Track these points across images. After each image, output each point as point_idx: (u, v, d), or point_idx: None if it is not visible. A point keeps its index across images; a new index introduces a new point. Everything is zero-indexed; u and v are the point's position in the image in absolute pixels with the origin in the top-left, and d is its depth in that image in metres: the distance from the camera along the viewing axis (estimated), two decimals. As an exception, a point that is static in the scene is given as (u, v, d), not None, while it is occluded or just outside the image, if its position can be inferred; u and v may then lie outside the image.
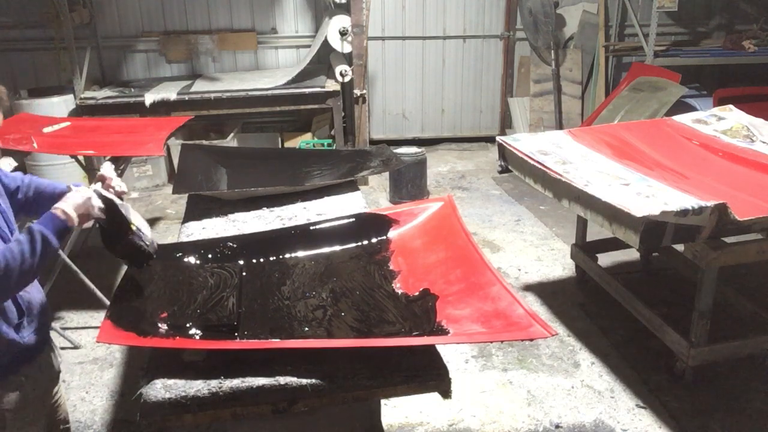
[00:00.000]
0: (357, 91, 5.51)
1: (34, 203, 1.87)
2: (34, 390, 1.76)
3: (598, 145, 3.30)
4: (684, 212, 2.38)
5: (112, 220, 1.83)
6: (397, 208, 2.53)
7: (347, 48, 5.46)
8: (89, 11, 5.75)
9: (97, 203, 1.77)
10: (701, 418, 2.73)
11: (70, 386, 3.02)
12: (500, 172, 3.64)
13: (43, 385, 1.83)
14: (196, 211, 2.79)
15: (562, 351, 3.23)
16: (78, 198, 1.72)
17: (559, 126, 6.26)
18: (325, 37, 5.47)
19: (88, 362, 3.20)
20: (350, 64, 5.43)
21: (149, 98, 5.22)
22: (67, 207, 1.68)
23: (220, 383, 1.60)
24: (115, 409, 2.87)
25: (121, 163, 4.55)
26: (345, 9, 5.41)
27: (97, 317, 3.54)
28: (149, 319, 1.83)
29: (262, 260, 2.27)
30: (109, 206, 1.82)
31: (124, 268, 2.09)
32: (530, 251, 4.37)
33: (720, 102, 4.84)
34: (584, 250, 3.75)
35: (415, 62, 6.61)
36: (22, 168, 5.05)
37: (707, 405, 2.80)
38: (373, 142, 5.96)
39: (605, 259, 3.79)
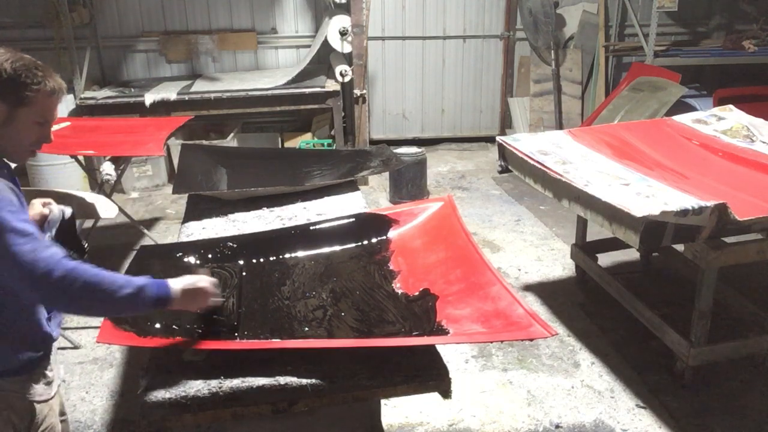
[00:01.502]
0: (357, 91, 5.51)
1: None
2: (55, 380, 1.77)
3: (598, 145, 3.30)
4: (684, 212, 2.38)
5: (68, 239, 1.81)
6: (397, 208, 2.53)
7: (347, 48, 5.46)
8: (89, 11, 5.75)
9: (213, 296, 1.71)
10: (701, 418, 2.73)
11: (70, 386, 3.02)
12: (500, 172, 3.64)
13: (58, 375, 1.84)
14: (196, 211, 2.79)
15: (562, 351, 3.23)
16: (188, 283, 1.65)
17: (559, 126, 6.26)
18: (325, 37, 5.47)
19: (88, 362, 3.20)
20: (350, 64, 5.43)
21: (149, 98, 5.22)
22: (180, 292, 1.61)
23: (220, 383, 1.61)
24: (115, 409, 2.87)
25: (121, 163, 4.55)
26: (345, 9, 5.41)
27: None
28: (149, 319, 1.83)
29: (262, 260, 2.27)
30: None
31: (124, 268, 2.09)
32: (530, 251, 4.37)
33: (720, 102, 4.83)
34: (584, 250, 3.75)
35: (415, 62, 6.61)
36: (22, 168, 5.05)
37: (707, 405, 2.80)
38: (373, 142, 5.95)
39: (605, 259, 3.79)
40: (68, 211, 1.84)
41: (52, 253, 1.46)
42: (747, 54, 5.81)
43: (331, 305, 1.99)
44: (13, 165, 1.62)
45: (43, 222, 1.76)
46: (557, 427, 2.71)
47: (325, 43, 5.50)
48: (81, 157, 4.74)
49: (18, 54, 1.54)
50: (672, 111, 4.78)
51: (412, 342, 1.77)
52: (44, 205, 1.81)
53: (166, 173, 5.85)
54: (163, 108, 5.26)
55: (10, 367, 1.60)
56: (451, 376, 1.70)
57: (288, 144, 6.22)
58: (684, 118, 3.68)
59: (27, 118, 1.54)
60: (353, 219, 2.45)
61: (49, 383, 1.71)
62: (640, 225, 2.36)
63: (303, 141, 6.14)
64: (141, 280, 1.55)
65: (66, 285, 1.44)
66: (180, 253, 2.27)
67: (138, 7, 6.03)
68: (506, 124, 6.90)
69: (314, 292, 2.07)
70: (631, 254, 3.92)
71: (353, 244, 2.37)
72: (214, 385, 1.60)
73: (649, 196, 2.60)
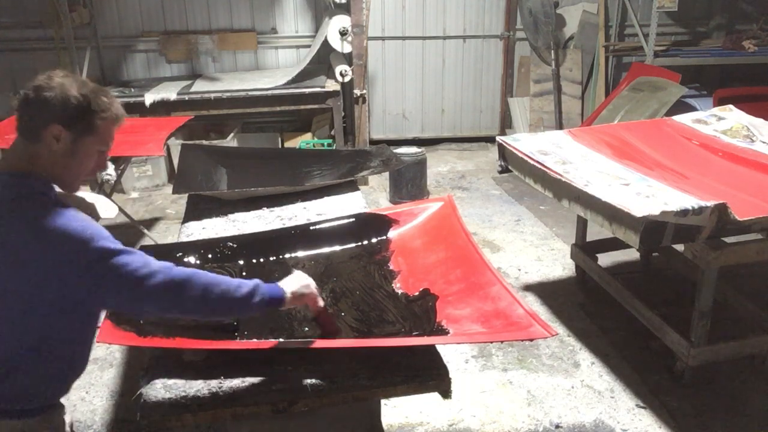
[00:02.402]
0: (357, 91, 5.51)
1: None
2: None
3: (598, 145, 3.30)
4: (684, 212, 2.38)
5: None
6: (397, 208, 2.53)
7: (347, 48, 5.46)
8: (89, 11, 5.76)
9: (316, 292, 1.74)
10: (701, 418, 2.73)
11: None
12: (500, 172, 3.64)
13: None
14: (196, 211, 2.79)
15: (562, 351, 3.23)
16: (301, 286, 1.68)
17: (559, 126, 6.25)
18: (325, 37, 5.47)
19: (88, 362, 3.19)
20: (350, 64, 5.43)
21: (149, 98, 5.22)
22: (290, 293, 1.65)
23: (220, 383, 1.61)
24: (115, 409, 2.87)
25: (121, 163, 4.56)
26: (345, 9, 5.41)
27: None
28: (149, 319, 1.83)
29: (262, 260, 2.27)
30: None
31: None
32: (530, 251, 4.37)
33: (720, 102, 4.83)
34: (584, 250, 3.75)
35: (415, 62, 6.61)
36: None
37: (707, 405, 2.80)
38: (373, 142, 5.95)
39: (605, 259, 3.79)
40: None
41: (164, 264, 1.48)
42: (747, 54, 5.81)
43: (331, 305, 1.99)
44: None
45: None
46: (557, 427, 2.71)
47: (325, 43, 5.50)
48: (81, 157, 4.73)
49: (81, 78, 1.50)
50: (672, 111, 4.78)
51: (412, 342, 1.77)
52: None
53: (166, 173, 5.84)
54: (163, 108, 5.26)
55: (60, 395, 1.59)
56: (451, 376, 1.69)
57: (288, 144, 6.22)
58: (684, 118, 3.68)
59: (91, 146, 1.50)
60: (353, 219, 2.45)
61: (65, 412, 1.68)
62: (640, 225, 2.36)
63: (303, 141, 6.14)
64: (252, 282, 1.57)
65: (189, 288, 1.46)
66: (180, 253, 2.27)
67: (138, 7, 6.03)
68: (506, 124, 6.90)
69: (314, 292, 2.07)
70: (631, 254, 3.92)
71: (353, 244, 2.37)
72: (214, 385, 1.60)
73: (649, 196, 2.60)
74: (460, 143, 6.90)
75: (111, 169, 4.01)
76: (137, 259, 1.44)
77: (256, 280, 1.59)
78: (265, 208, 2.77)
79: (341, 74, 5.38)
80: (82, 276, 1.39)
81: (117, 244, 1.44)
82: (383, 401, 2.55)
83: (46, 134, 1.44)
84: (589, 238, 3.78)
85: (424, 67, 6.64)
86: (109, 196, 4.11)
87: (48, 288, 1.39)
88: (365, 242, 2.37)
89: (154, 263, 1.46)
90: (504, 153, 3.39)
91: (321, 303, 1.76)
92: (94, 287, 1.41)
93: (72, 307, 1.44)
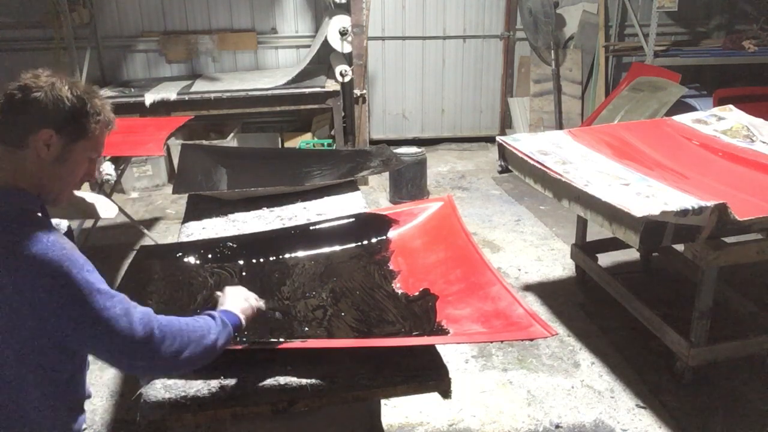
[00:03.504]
0: (357, 91, 5.51)
1: None
2: None
3: (598, 145, 3.30)
4: (684, 212, 2.38)
5: None
6: (397, 208, 2.53)
7: (347, 48, 5.46)
8: (89, 11, 5.76)
9: (257, 303, 1.72)
10: (701, 418, 2.73)
11: (70, 386, 3.02)
12: (500, 172, 3.64)
13: None
14: (196, 211, 2.79)
15: (562, 351, 3.23)
16: (243, 302, 1.65)
17: (559, 126, 6.26)
18: (325, 37, 5.47)
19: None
20: (350, 64, 5.43)
21: (149, 98, 5.22)
22: (243, 316, 1.61)
23: (220, 383, 1.60)
24: (115, 409, 2.87)
25: (121, 163, 4.56)
26: (345, 9, 5.41)
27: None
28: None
29: (262, 260, 2.27)
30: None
31: (124, 268, 2.09)
32: (530, 251, 4.37)
33: (720, 102, 4.83)
34: (584, 250, 3.75)
35: (415, 62, 6.61)
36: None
37: (707, 405, 2.80)
38: (373, 142, 5.95)
39: (605, 259, 3.79)
40: (63, 224, 1.76)
41: (144, 312, 1.34)
42: (747, 54, 5.81)
43: (331, 305, 1.99)
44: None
45: None
46: (557, 427, 2.71)
47: (325, 43, 5.50)
48: (81, 157, 4.73)
49: (68, 78, 1.36)
50: (672, 111, 4.78)
51: (412, 342, 1.77)
52: None
53: (166, 173, 5.85)
54: (163, 108, 5.26)
55: None
56: (451, 376, 1.69)
57: (288, 144, 6.22)
58: (684, 118, 3.68)
59: (83, 153, 1.38)
60: (353, 219, 2.45)
61: None
62: (640, 225, 2.36)
63: (303, 141, 6.14)
64: (215, 319, 1.50)
65: (168, 344, 1.34)
66: (180, 253, 2.27)
67: (138, 7, 6.03)
68: (506, 124, 6.90)
69: (314, 292, 2.07)
70: (631, 254, 3.92)
71: (353, 244, 2.37)
72: (214, 385, 1.60)
73: (649, 196, 2.60)
74: (460, 143, 6.90)
75: (111, 169, 4.01)
76: (117, 303, 1.30)
77: (217, 315, 1.51)
78: (265, 208, 2.77)
79: (341, 74, 5.38)
80: (59, 315, 1.26)
81: (98, 279, 1.30)
82: (383, 401, 2.55)
83: (35, 140, 1.31)
84: (589, 238, 3.78)
85: (424, 67, 6.64)
86: (109, 196, 4.11)
87: (22, 322, 1.25)
88: (365, 242, 2.37)
89: (135, 313, 1.32)
90: (504, 153, 3.39)
91: (261, 303, 1.73)
92: (70, 329, 1.27)
93: (49, 345, 1.30)
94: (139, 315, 1.32)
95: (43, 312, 1.25)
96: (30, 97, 1.29)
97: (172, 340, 1.35)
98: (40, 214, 1.37)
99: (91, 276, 1.28)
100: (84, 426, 1.61)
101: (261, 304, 1.74)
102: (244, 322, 1.61)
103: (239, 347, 1.74)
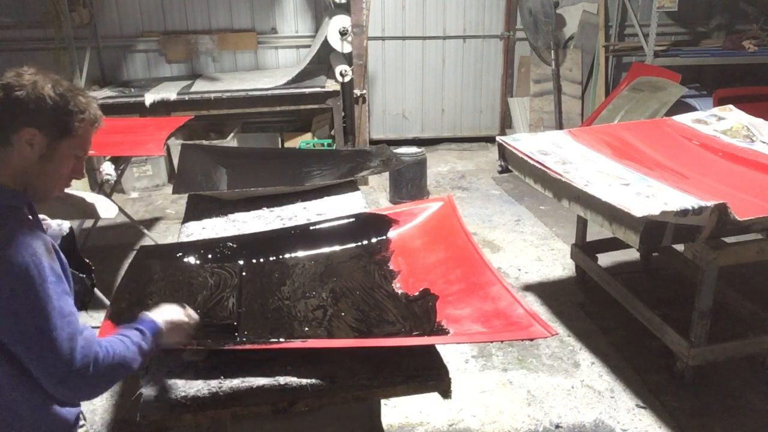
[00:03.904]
0: (357, 91, 5.51)
1: None
2: None
3: (598, 145, 3.30)
4: (684, 212, 2.38)
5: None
6: (397, 208, 2.53)
7: (347, 48, 5.46)
8: (89, 11, 5.75)
9: (192, 320, 1.62)
10: (701, 418, 2.73)
11: (70, 386, 3.02)
12: (500, 172, 3.64)
13: None
14: (196, 211, 2.79)
15: (562, 351, 3.23)
16: (174, 317, 1.57)
17: (559, 126, 6.25)
18: (325, 37, 5.47)
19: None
20: (350, 64, 5.43)
21: (149, 98, 5.22)
22: (165, 330, 1.53)
23: (220, 383, 1.60)
24: (115, 409, 2.87)
25: (121, 163, 4.56)
26: (345, 9, 5.41)
27: (97, 317, 3.54)
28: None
29: (262, 260, 2.27)
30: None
31: (124, 268, 2.09)
32: (530, 251, 4.37)
33: (720, 102, 4.83)
34: (584, 250, 3.75)
35: (415, 62, 6.61)
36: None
37: (707, 405, 2.80)
38: (373, 142, 5.95)
39: (605, 259, 3.79)
40: (66, 225, 1.75)
41: (87, 340, 1.32)
42: (747, 54, 5.81)
43: (331, 305, 1.99)
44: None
45: None
46: (557, 427, 2.71)
47: (325, 43, 5.50)
48: (81, 157, 4.73)
49: (54, 76, 1.34)
50: (672, 111, 4.78)
51: (412, 342, 1.77)
52: None
53: (166, 173, 5.85)
54: (163, 108, 5.26)
55: None
56: (451, 376, 1.69)
57: (288, 144, 6.22)
58: (684, 118, 3.68)
59: (68, 150, 1.37)
60: (353, 219, 2.45)
61: None
62: (640, 225, 2.36)
63: (303, 141, 6.14)
64: (140, 337, 1.45)
65: (100, 377, 1.34)
66: (180, 253, 2.27)
67: (138, 7, 6.03)
68: (506, 124, 6.90)
69: (314, 292, 2.07)
70: (631, 254, 3.92)
71: (353, 244, 2.37)
72: (214, 385, 1.60)
73: (649, 196, 2.60)
74: (460, 143, 6.90)
75: (111, 169, 4.02)
76: (66, 326, 1.27)
77: (140, 333, 1.46)
78: (265, 208, 2.77)
79: (341, 74, 5.38)
80: (9, 318, 1.25)
81: (58, 291, 1.28)
82: (383, 401, 2.55)
83: (18, 139, 1.30)
84: (589, 238, 3.78)
85: (424, 67, 6.64)
86: (109, 196, 4.11)
87: None
88: (365, 242, 2.37)
89: (78, 340, 1.29)
90: (504, 153, 3.39)
91: (194, 320, 1.63)
92: (16, 335, 1.27)
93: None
94: (81, 343, 1.31)
95: (1, 309, 1.25)
96: (12, 96, 1.29)
97: (103, 377, 1.35)
98: (27, 212, 1.37)
99: (53, 288, 1.28)
100: (82, 423, 1.60)
101: (193, 321, 1.63)
102: (164, 333, 1.53)
103: (239, 347, 1.74)
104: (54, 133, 1.33)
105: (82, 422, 1.61)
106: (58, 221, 1.74)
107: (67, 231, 1.74)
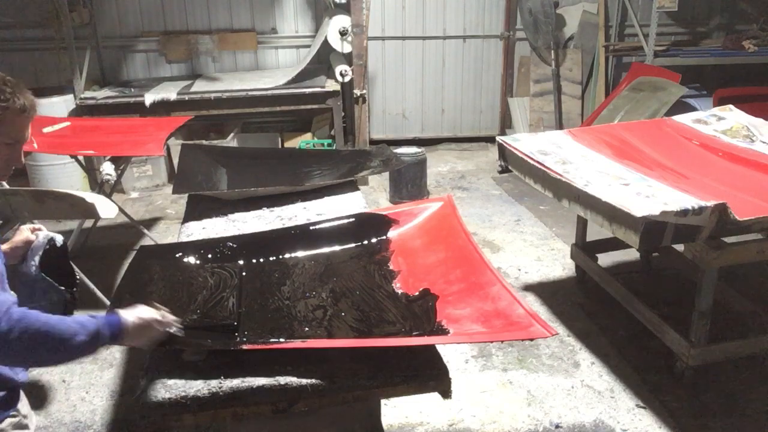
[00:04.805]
0: (357, 91, 5.51)
1: None
2: (30, 422, 1.69)
3: (598, 145, 3.30)
4: (684, 212, 2.38)
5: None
6: (397, 208, 2.53)
7: (347, 48, 5.46)
8: (89, 11, 5.75)
9: (165, 322, 1.60)
10: (701, 418, 2.73)
11: (70, 386, 3.02)
12: (500, 172, 3.65)
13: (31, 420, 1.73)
14: (196, 211, 2.79)
15: (562, 351, 3.23)
16: (142, 319, 1.55)
17: (559, 126, 6.26)
18: (325, 37, 5.47)
19: (88, 362, 3.19)
20: (350, 64, 5.43)
21: (149, 98, 5.22)
22: (131, 325, 1.51)
23: (220, 383, 1.60)
24: (115, 409, 2.87)
25: (121, 163, 4.56)
26: (345, 9, 5.41)
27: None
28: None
29: (262, 260, 2.27)
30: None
31: (124, 268, 2.09)
32: (530, 251, 4.37)
33: (720, 102, 4.84)
34: (584, 250, 3.75)
35: (415, 62, 6.61)
36: (22, 168, 5.05)
37: (707, 405, 2.80)
38: (373, 142, 5.95)
39: (605, 259, 3.79)
40: (59, 238, 1.75)
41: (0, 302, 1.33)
42: (747, 54, 5.81)
43: (331, 305, 1.99)
44: None
45: (27, 249, 1.68)
46: (557, 427, 2.71)
47: (325, 43, 5.50)
48: (81, 157, 4.74)
49: None
50: (672, 111, 4.77)
51: (412, 342, 1.77)
52: (33, 231, 1.72)
53: (166, 173, 5.85)
54: (163, 108, 5.26)
55: None
56: (451, 376, 1.69)
57: (288, 144, 6.22)
58: (684, 118, 3.68)
59: None
60: (353, 219, 2.45)
61: (22, 427, 1.62)
62: (640, 225, 2.36)
63: (303, 141, 6.14)
64: (93, 323, 1.44)
65: (14, 338, 1.32)
66: (180, 253, 2.27)
67: (138, 7, 6.03)
68: (506, 124, 6.90)
69: (314, 292, 2.07)
70: (631, 254, 3.92)
71: (353, 244, 2.37)
72: (214, 385, 1.60)
73: (649, 196, 2.60)
74: (460, 143, 6.90)
75: (111, 169, 4.01)
76: None
77: (96, 321, 1.45)
78: (265, 208, 2.77)
79: (341, 74, 5.38)
80: None
81: None
82: (383, 401, 2.55)
83: None
84: (589, 238, 3.78)
85: (424, 67, 6.64)
86: (109, 196, 4.11)
87: None
88: (365, 242, 2.37)
89: None
90: (504, 153, 3.39)
91: (169, 324, 1.61)
92: None
93: None
94: None
95: None
96: None
97: (21, 333, 1.33)
98: None
99: None
100: (17, 415, 1.59)
101: (168, 324, 1.62)
102: (129, 328, 1.51)
103: (239, 347, 1.74)
104: None
105: (13, 413, 1.60)
106: (52, 234, 1.73)
107: (60, 242, 1.74)
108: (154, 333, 1.58)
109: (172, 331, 1.63)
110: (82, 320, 1.44)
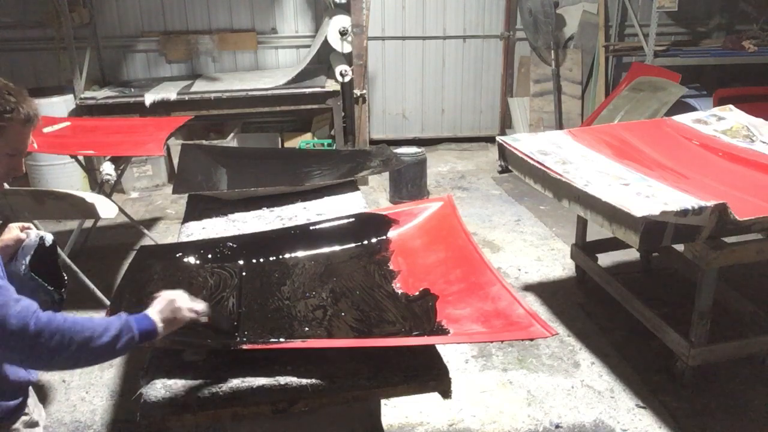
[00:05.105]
0: (357, 91, 5.51)
1: None
2: (40, 420, 1.69)
3: (598, 145, 3.30)
4: (684, 212, 2.38)
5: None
6: (397, 208, 2.53)
7: (347, 48, 5.46)
8: (89, 11, 5.75)
9: (189, 313, 1.56)
10: (701, 418, 2.73)
11: (70, 386, 3.02)
12: (500, 172, 3.65)
13: (40, 416, 1.73)
14: (196, 211, 2.79)
15: (562, 351, 3.23)
16: (167, 312, 1.52)
17: (559, 126, 6.25)
18: (325, 37, 5.47)
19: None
20: (350, 64, 5.43)
21: (149, 98, 5.22)
22: (160, 320, 1.48)
23: (220, 383, 1.60)
24: (115, 409, 2.87)
25: (121, 163, 4.56)
26: (345, 9, 5.41)
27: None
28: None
29: (262, 260, 2.27)
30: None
31: (124, 268, 2.09)
32: (530, 251, 4.37)
33: (720, 102, 4.83)
34: (584, 250, 3.75)
35: (415, 62, 6.61)
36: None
37: (707, 405, 2.80)
38: (373, 142, 5.95)
39: (605, 259, 3.79)
40: (49, 237, 1.73)
41: (24, 306, 1.31)
42: (747, 54, 5.81)
43: (331, 305, 1.99)
44: None
45: (18, 247, 1.66)
46: (557, 427, 2.71)
47: (325, 43, 5.50)
48: (81, 157, 4.74)
49: None
50: (672, 111, 4.77)
51: (412, 342, 1.77)
52: (22, 229, 1.70)
53: (166, 173, 5.85)
54: (163, 108, 5.26)
55: None
56: (451, 376, 1.69)
57: (288, 144, 6.22)
58: (684, 118, 3.68)
59: None
60: (353, 219, 2.45)
61: (32, 425, 1.62)
62: (640, 225, 2.36)
63: (303, 141, 6.14)
64: (119, 321, 1.42)
65: (43, 341, 1.30)
66: (180, 253, 2.27)
67: (138, 7, 6.03)
68: (506, 124, 6.90)
69: (314, 292, 2.07)
70: (631, 254, 3.92)
71: (353, 244, 2.37)
72: (214, 385, 1.60)
73: (649, 196, 2.60)
74: (460, 143, 6.90)
75: (111, 169, 4.01)
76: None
77: (123, 319, 1.44)
78: (265, 208, 2.77)
79: (341, 74, 5.38)
80: None
81: None
82: (383, 401, 2.55)
83: None
84: (589, 238, 3.78)
85: (424, 67, 6.64)
86: (109, 196, 4.11)
87: None
88: (365, 242, 2.37)
89: (13, 306, 1.30)
90: (504, 153, 3.39)
91: (200, 308, 1.58)
92: None
93: None
94: (17, 309, 1.30)
95: None
96: None
97: (49, 337, 1.32)
98: None
99: None
100: (28, 413, 1.60)
101: (200, 308, 1.59)
102: (161, 329, 1.48)
103: (239, 347, 1.74)
104: None
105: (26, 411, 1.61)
106: (43, 233, 1.73)
107: (50, 242, 1.73)
108: (179, 321, 1.54)
109: (199, 313, 1.59)
110: (109, 319, 1.43)
